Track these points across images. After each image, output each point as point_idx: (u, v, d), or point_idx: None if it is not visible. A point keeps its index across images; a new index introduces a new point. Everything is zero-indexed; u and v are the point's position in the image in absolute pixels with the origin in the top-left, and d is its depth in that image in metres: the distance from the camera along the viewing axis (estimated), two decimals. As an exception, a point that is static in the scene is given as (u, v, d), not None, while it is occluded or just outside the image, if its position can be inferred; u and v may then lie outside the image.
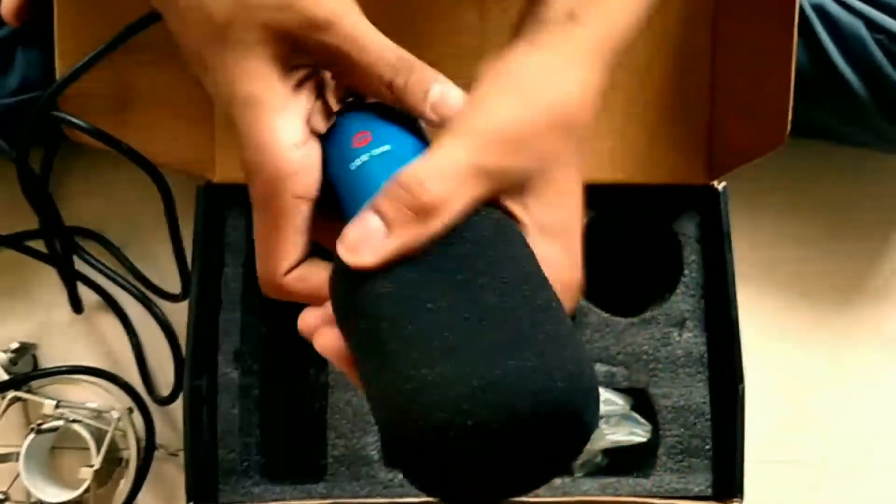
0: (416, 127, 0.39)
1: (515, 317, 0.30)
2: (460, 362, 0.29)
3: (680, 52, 0.66)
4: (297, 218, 0.38)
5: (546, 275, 0.34)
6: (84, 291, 0.78)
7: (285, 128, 0.37)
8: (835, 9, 0.65)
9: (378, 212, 0.34)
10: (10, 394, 0.73)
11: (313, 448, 0.67)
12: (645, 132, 0.66)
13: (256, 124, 0.37)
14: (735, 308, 0.65)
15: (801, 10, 0.64)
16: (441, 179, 0.33)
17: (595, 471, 0.69)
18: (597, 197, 0.67)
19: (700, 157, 0.66)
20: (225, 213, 0.69)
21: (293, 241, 0.38)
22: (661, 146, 0.66)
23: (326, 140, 0.39)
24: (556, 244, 0.36)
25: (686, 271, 0.68)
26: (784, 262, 0.80)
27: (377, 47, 0.37)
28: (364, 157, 0.37)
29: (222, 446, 0.66)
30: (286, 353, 0.71)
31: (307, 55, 0.38)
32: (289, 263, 0.38)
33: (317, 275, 0.38)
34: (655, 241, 0.71)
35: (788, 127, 0.56)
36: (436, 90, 0.37)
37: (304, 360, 0.70)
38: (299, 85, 0.38)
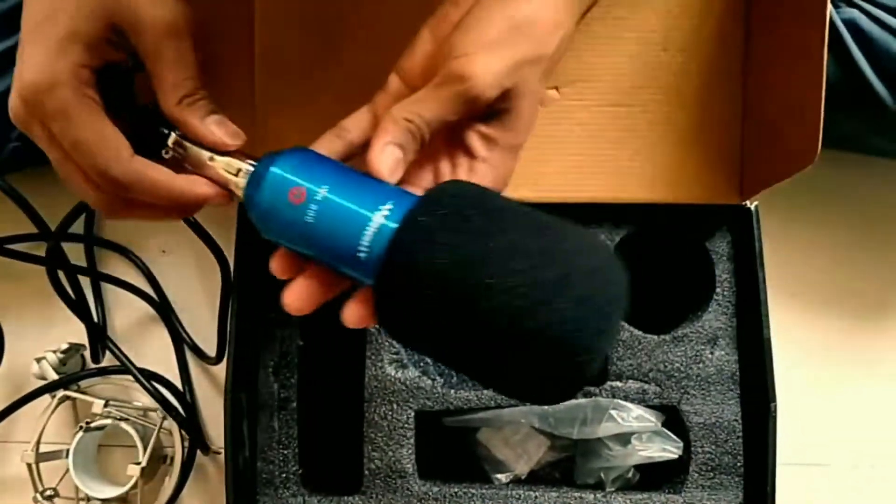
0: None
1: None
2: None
3: (711, 72, 0.65)
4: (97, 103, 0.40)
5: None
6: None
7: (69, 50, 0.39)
8: (867, 25, 0.65)
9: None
10: (60, 393, 0.75)
11: (350, 460, 0.67)
12: (677, 153, 0.66)
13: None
14: (767, 325, 0.65)
15: (834, 26, 0.64)
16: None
17: (627, 486, 0.69)
18: (630, 215, 0.67)
19: (732, 177, 0.66)
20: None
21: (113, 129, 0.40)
22: (693, 166, 0.66)
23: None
24: (511, 157, 0.44)
25: (718, 289, 0.68)
26: (816, 276, 0.79)
27: (193, 65, 0.41)
28: (313, 207, 0.40)
29: (262, 458, 0.67)
30: (323, 366, 0.72)
31: (123, 48, 0.41)
32: (127, 145, 0.40)
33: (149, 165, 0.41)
34: (688, 259, 0.70)
35: (819, 147, 0.56)
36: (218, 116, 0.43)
37: (340, 374, 0.70)
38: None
